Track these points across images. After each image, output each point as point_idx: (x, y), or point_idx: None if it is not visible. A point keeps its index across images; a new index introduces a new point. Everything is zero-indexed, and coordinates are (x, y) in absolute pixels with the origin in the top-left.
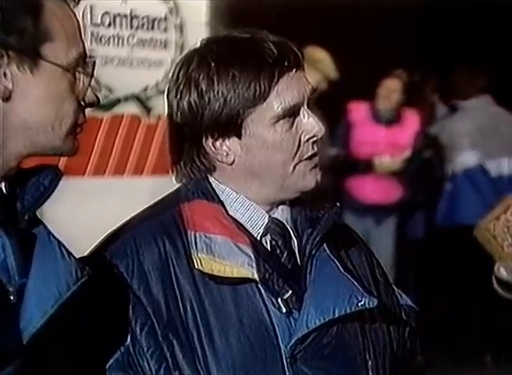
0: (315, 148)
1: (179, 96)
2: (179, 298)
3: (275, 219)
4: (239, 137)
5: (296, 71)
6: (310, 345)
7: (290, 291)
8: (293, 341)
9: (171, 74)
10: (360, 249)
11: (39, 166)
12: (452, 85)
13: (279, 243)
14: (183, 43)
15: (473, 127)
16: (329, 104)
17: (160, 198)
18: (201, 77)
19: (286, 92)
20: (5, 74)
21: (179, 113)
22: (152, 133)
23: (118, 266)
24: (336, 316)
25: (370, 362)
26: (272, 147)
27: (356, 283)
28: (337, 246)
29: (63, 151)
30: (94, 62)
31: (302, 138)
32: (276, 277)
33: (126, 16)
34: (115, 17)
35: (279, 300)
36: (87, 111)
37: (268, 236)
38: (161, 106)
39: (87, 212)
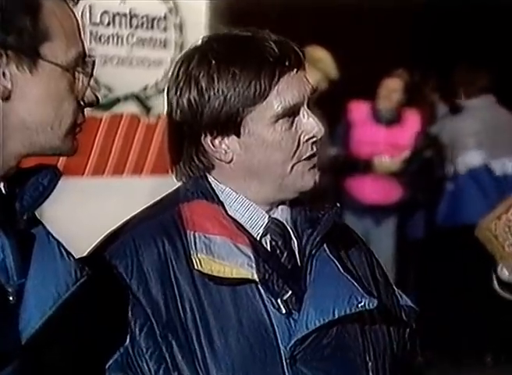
0: (314, 149)
1: (178, 93)
2: (178, 298)
3: (275, 219)
4: (238, 135)
5: (297, 71)
6: (309, 346)
7: (290, 292)
8: (292, 341)
9: (171, 72)
10: (360, 249)
11: (38, 166)
12: (453, 85)
13: (279, 243)
14: (183, 42)
15: (478, 127)
16: (330, 103)
17: (159, 198)
18: (202, 75)
19: (286, 91)
20: (4, 74)
21: (178, 111)
22: (152, 133)
23: (117, 267)
24: (336, 316)
25: (370, 363)
26: (271, 146)
27: (356, 283)
28: (337, 246)
29: (62, 150)
30: (94, 62)
31: (301, 138)
32: (276, 278)
33: (125, 15)
34: (114, 16)
35: (279, 301)
36: (86, 110)
37: (268, 236)
38: (160, 106)
39: (86, 212)
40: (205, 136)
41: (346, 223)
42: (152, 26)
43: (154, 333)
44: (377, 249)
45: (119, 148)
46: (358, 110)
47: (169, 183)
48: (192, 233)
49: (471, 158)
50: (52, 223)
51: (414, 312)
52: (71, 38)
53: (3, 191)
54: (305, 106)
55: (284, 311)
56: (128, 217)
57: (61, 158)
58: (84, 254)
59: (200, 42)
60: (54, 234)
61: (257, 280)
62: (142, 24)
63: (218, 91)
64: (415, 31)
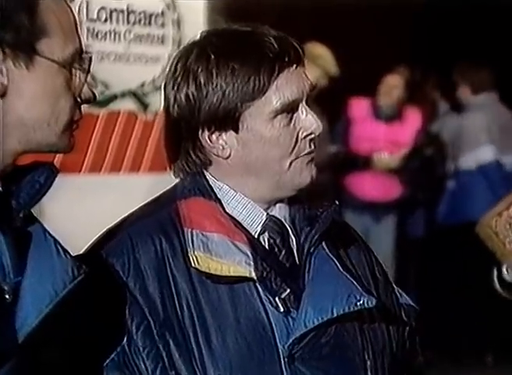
0: (312, 146)
1: (176, 88)
2: (175, 296)
3: (273, 216)
4: (236, 131)
5: (296, 67)
6: (308, 345)
7: (288, 290)
8: (290, 340)
9: (169, 67)
10: (359, 247)
11: (34, 163)
12: (455, 82)
13: (277, 241)
14: (181, 38)
15: (489, 122)
16: (330, 100)
17: (156, 195)
18: (200, 70)
19: (285, 87)
20: (0, 70)
21: (176, 106)
22: (149, 130)
23: (114, 265)
24: (335, 315)
25: (369, 362)
26: (269, 142)
27: (355, 282)
28: (336, 244)
29: (59, 148)
30: (91, 58)
31: (300, 135)
32: (274, 276)
33: (122, 11)
34: (111, 12)
35: (277, 299)
36: (83, 107)
37: (266, 234)
38: (158, 102)
39: (83, 209)
40: (203, 131)
41: (346, 220)
42: (150, 23)
43: (150, 332)
44: (376, 247)
45: (117, 145)
46: (358, 107)
47: (167, 181)
48: (189, 230)
49: (483, 154)
50: (49, 221)
51: (414, 310)
52: (68, 34)
53: None
54: (304, 103)
55: (282, 309)
56: (125, 215)
57: (58, 156)
58: (81, 251)
59: (198, 37)
60: (50, 232)
61: (255, 278)
62: (139, 20)
63: (216, 85)
64: (416, 28)
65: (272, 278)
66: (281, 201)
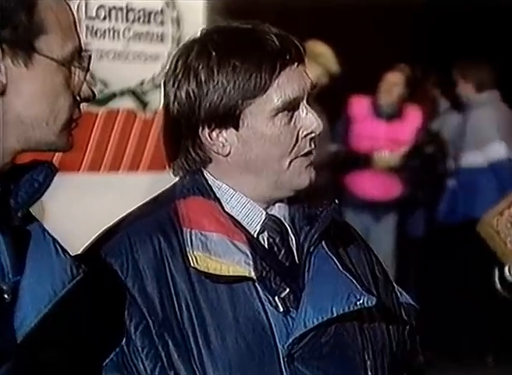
0: (312, 145)
1: (176, 85)
2: (174, 296)
3: (273, 216)
4: (236, 128)
5: (297, 65)
6: (307, 345)
7: (288, 290)
8: (290, 340)
9: (169, 64)
10: (359, 246)
11: (33, 162)
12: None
13: (277, 240)
14: (180, 36)
15: (498, 119)
16: (330, 99)
17: (155, 195)
18: (201, 67)
19: (286, 85)
20: None
21: (176, 103)
22: (148, 129)
23: (112, 265)
24: (335, 314)
25: (369, 362)
26: (269, 140)
27: (355, 281)
28: (336, 243)
29: (58, 146)
30: (90, 56)
31: (300, 134)
32: (273, 275)
33: (121, 9)
34: (110, 10)
35: (276, 298)
36: (82, 106)
37: (266, 233)
38: (157, 101)
39: (82, 208)
40: (203, 129)
41: (346, 219)
42: (149, 21)
43: (149, 332)
44: (377, 246)
45: (116, 143)
46: (359, 105)
47: (166, 180)
48: (188, 230)
49: (494, 151)
50: (48, 220)
51: (414, 309)
52: (67, 32)
53: None
54: (304, 101)
55: (282, 309)
56: (124, 214)
57: (56, 154)
58: (80, 251)
59: (199, 34)
60: (49, 231)
61: (255, 277)
62: (139, 18)
63: (217, 83)
64: (416, 27)
65: (272, 277)
66: (280, 200)
